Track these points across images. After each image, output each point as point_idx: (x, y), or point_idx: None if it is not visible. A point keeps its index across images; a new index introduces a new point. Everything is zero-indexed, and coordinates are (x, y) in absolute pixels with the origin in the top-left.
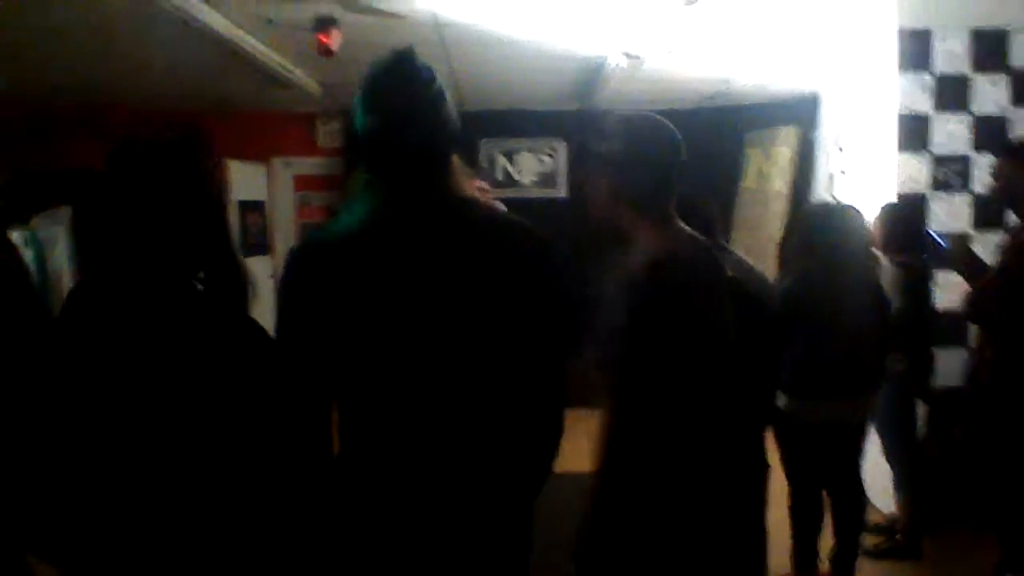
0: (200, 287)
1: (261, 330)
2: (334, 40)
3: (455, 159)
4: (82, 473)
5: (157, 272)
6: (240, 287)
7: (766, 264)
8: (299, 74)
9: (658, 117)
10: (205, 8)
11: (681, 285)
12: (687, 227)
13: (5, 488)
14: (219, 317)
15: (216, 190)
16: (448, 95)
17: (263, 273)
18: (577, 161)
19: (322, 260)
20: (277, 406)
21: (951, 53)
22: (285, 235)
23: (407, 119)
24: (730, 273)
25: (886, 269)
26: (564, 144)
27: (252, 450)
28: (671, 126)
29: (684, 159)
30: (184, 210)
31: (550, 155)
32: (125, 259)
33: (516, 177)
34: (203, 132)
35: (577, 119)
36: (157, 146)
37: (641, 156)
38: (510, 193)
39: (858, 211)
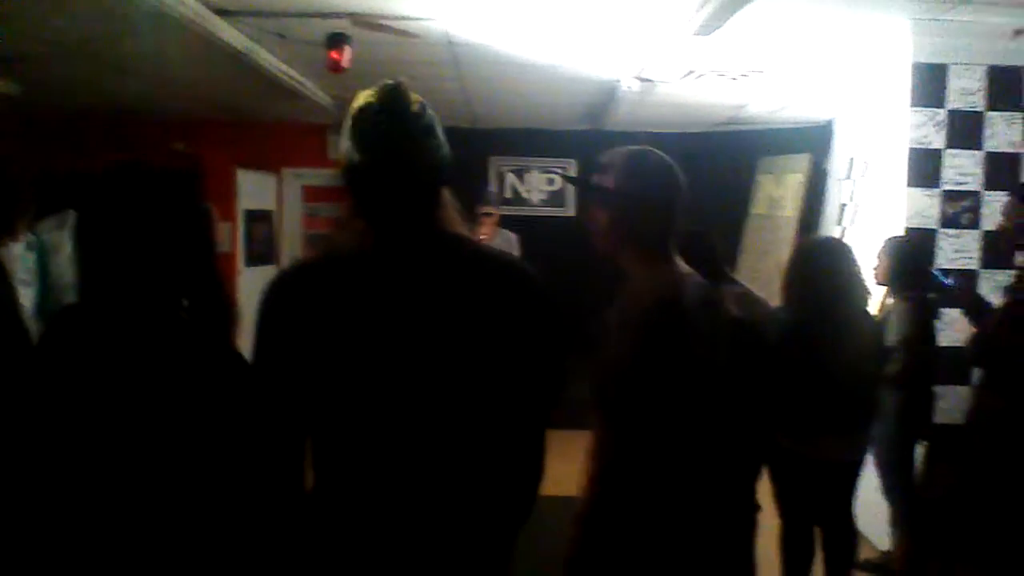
0: (185, 313)
1: (242, 360)
2: (345, 57)
3: (445, 194)
4: (46, 501)
5: (146, 294)
6: (225, 316)
7: (773, 291)
8: (311, 87)
9: (660, 153)
10: (219, 22)
11: (682, 327)
12: (686, 264)
13: None
14: (200, 345)
15: (208, 222)
16: (439, 128)
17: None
18: (582, 183)
19: (301, 292)
20: (249, 437)
21: (965, 90)
22: (292, 245)
23: (393, 156)
24: (733, 311)
25: (891, 304)
26: (574, 164)
27: (222, 481)
28: (672, 162)
29: (686, 194)
30: (178, 237)
31: (566, 177)
32: (120, 273)
33: (525, 195)
34: (201, 165)
35: (588, 140)
36: (161, 173)
37: (642, 193)
38: (519, 211)
39: (847, 245)
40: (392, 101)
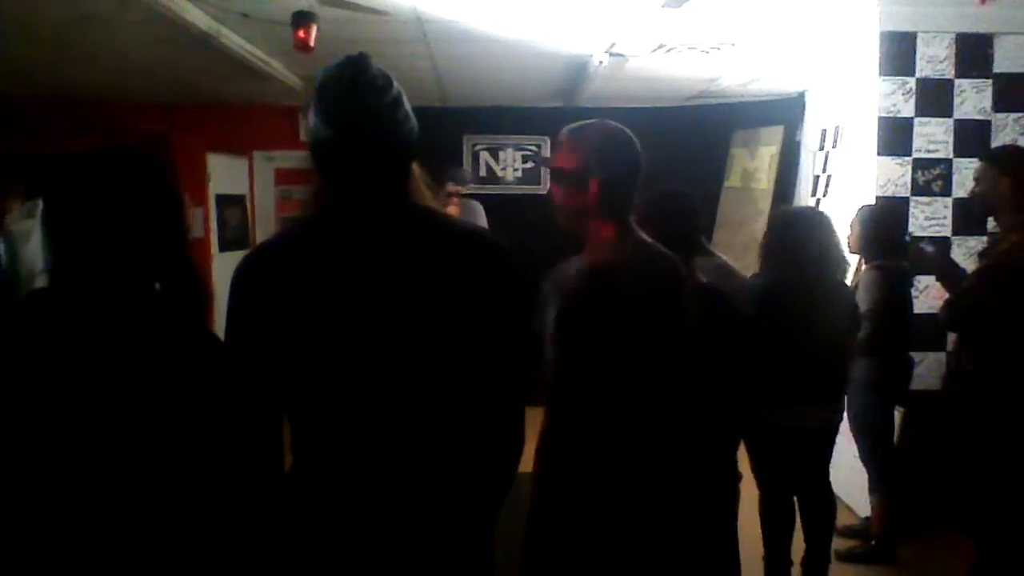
0: (158, 296)
1: (215, 341)
2: (312, 35)
3: (415, 168)
4: (22, 484)
5: (117, 278)
6: (197, 298)
7: (748, 263)
8: (279, 68)
9: (616, 126)
10: (183, 3)
11: (606, 296)
12: (662, 233)
13: None
14: (173, 328)
15: (178, 204)
16: (406, 100)
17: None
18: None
19: (273, 269)
20: (226, 418)
21: (934, 57)
22: (266, 229)
23: (360, 129)
24: (702, 280)
25: (864, 272)
26: (548, 141)
27: (201, 463)
28: (628, 134)
29: (642, 166)
30: (148, 219)
31: (534, 152)
32: (90, 257)
33: (499, 173)
34: (169, 145)
35: (561, 116)
36: (128, 155)
37: (596, 167)
38: (493, 189)
39: (826, 215)
40: (356, 74)
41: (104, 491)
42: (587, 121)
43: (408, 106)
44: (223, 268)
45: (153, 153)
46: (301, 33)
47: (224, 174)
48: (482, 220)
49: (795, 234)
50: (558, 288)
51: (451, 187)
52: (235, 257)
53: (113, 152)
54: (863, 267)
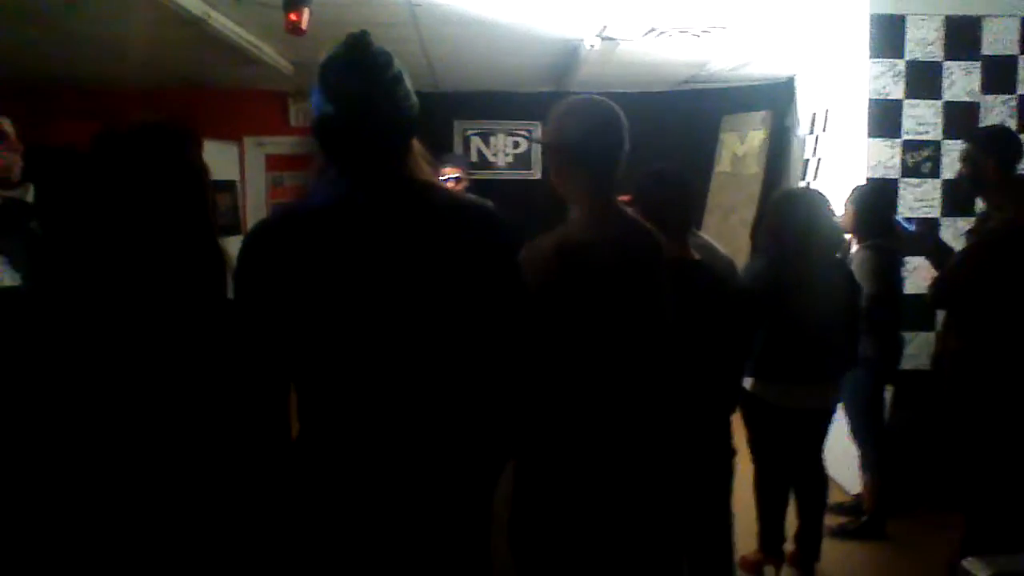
0: (179, 270)
1: (235, 311)
2: (304, 18)
3: (415, 144)
4: (35, 454)
5: (133, 253)
6: (219, 271)
7: (738, 248)
8: (270, 52)
9: (601, 100)
10: None
11: (581, 273)
12: (626, 209)
13: None
14: (195, 301)
15: (199, 176)
16: (406, 78)
17: (234, 253)
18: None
19: (280, 242)
20: (237, 385)
21: (923, 40)
22: (257, 215)
23: (362, 106)
24: (692, 255)
25: (857, 253)
26: (540, 126)
27: (211, 432)
28: (611, 108)
29: (621, 141)
30: (164, 194)
31: (526, 137)
32: (99, 239)
33: (491, 159)
34: (188, 119)
35: (553, 102)
36: (142, 130)
37: (575, 140)
38: (485, 175)
39: (824, 196)
40: (358, 52)
41: (115, 455)
42: (574, 96)
43: (409, 84)
44: None
45: (178, 129)
46: (293, 16)
47: (214, 160)
48: None
49: (795, 214)
50: (533, 263)
51: (447, 170)
52: (228, 243)
53: (122, 132)
54: (854, 247)
